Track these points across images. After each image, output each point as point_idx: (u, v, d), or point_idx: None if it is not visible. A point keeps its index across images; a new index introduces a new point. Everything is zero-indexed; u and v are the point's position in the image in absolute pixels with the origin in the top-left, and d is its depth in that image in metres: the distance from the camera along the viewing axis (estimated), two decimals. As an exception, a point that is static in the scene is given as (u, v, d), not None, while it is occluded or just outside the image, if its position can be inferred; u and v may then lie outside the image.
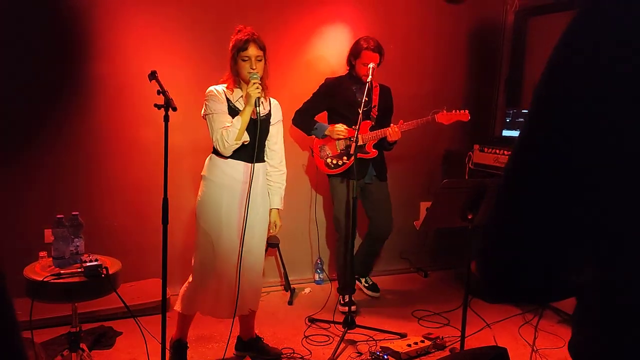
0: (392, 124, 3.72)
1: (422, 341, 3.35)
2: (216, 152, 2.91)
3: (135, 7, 3.82)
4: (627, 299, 0.71)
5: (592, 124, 0.68)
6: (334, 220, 3.99)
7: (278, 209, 3.11)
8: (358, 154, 3.74)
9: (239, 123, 2.82)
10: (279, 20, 4.23)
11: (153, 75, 2.52)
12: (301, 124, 3.91)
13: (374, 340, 3.45)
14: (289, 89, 4.29)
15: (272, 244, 4.27)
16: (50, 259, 2.60)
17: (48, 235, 3.41)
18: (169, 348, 3.06)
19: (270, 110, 3.00)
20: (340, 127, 3.77)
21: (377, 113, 3.84)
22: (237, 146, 2.85)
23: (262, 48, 2.85)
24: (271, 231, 3.12)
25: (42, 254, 3.20)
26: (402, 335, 3.49)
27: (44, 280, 2.36)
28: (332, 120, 3.90)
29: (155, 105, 2.47)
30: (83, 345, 2.63)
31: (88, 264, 2.43)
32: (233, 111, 2.88)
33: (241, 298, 2.93)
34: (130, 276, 3.71)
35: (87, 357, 2.64)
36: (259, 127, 2.83)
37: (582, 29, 0.73)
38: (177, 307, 3.00)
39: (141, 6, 3.83)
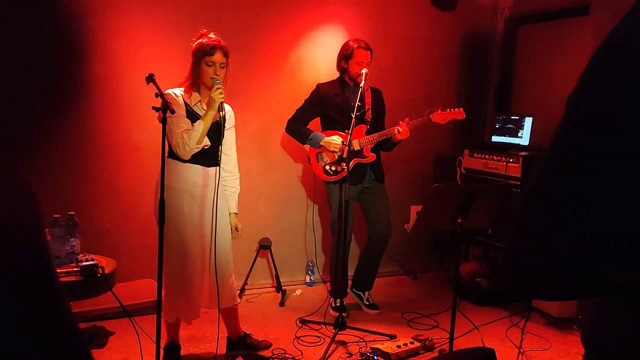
0: (400, 122, 3.72)
1: (412, 342, 3.40)
2: (173, 156, 2.91)
3: (130, 9, 3.85)
4: None
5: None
6: (330, 223, 4.01)
7: (236, 213, 3.14)
8: (356, 159, 3.78)
9: (201, 127, 2.86)
10: (272, 23, 4.28)
11: (150, 78, 2.55)
12: (295, 133, 3.92)
13: (364, 341, 3.50)
14: (279, 94, 4.34)
15: (264, 246, 4.31)
16: (46, 258, 2.61)
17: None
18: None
19: (224, 116, 3.02)
20: (336, 140, 3.77)
21: (371, 116, 3.88)
22: (197, 150, 2.88)
23: (227, 55, 2.90)
24: (234, 235, 3.14)
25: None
26: (392, 337, 3.54)
27: (41, 279, 2.38)
28: (325, 126, 3.93)
29: (154, 108, 2.50)
30: (77, 344, 2.65)
31: (84, 263, 2.46)
32: (191, 114, 2.89)
33: (212, 295, 2.98)
34: (123, 276, 3.72)
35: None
36: (222, 132, 2.89)
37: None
38: (165, 317, 2.99)
39: (137, 7, 3.86)
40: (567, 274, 0.75)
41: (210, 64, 2.86)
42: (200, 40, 2.89)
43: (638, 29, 0.70)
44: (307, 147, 3.92)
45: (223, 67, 2.89)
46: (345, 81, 3.87)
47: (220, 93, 2.84)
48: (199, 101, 2.95)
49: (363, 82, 3.57)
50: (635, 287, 0.72)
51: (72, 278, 2.45)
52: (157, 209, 2.69)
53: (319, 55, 4.45)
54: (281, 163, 4.48)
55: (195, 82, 2.93)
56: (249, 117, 4.29)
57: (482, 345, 3.42)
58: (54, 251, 2.56)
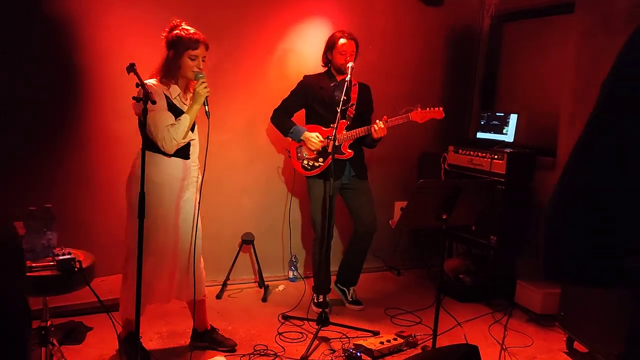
0: (377, 120, 3.68)
1: (395, 339, 3.38)
2: (155, 149, 2.84)
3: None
4: None
5: None
6: (311, 218, 3.98)
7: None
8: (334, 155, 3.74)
9: (187, 121, 2.84)
10: (256, 15, 4.22)
11: (132, 68, 2.49)
12: (279, 124, 3.88)
13: (347, 337, 3.47)
14: (265, 85, 4.29)
15: (246, 241, 4.26)
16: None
17: (19, 227, 3.33)
18: (121, 342, 3.06)
19: (209, 111, 2.97)
20: (315, 139, 3.74)
21: (354, 112, 3.84)
22: (183, 144, 2.87)
23: (208, 48, 2.89)
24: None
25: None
26: (375, 333, 3.53)
27: (15, 273, 2.31)
28: (309, 119, 3.90)
29: (134, 98, 2.44)
30: (53, 340, 2.58)
31: (60, 257, 2.39)
32: (171, 107, 2.84)
33: (182, 286, 3.03)
34: (102, 271, 3.64)
35: (57, 352, 2.60)
36: (208, 125, 2.82)
37: None
38: (129, 315, 2.95)
39: (119, -3, 3.78)
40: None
41: (194, 57, 2.84)
42: (179, 32, 2.84)
43: None
44: (289, 140, 3.88)
45: (203, 61, 2.88)
46: (332, 74, 3.83)
47: (206, 87, 2.84)
48: (179, 94, 2.91)
49: (349, 75, 3.53)
50: None
51: (48, 272, 2.38)
52: (133, 203, 2.65)
53: (305, 47, 4.41)
54: (265, 155, 4.44)
55: (173, 74, 2.88)
56: (234, 109, 4.23)
57: (465, 341, 3.42)
58: (29, 244, 2.48)
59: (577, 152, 0.80)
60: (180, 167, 2.94)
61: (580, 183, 0.80)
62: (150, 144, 2.82)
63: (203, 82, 2.83)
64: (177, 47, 2.82)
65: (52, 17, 3.64)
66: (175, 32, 2.85)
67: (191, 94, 2.97)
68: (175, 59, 2.83)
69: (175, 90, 2.89)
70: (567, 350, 3.46)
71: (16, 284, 0.84)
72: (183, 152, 2.93)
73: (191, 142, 2.98)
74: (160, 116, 2.78)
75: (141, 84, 2.45)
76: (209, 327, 3.27)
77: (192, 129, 2.96)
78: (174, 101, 2.88)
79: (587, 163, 0.79)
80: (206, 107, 2.86)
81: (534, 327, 3.83)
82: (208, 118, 2.86)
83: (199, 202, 3.05)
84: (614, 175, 0.75)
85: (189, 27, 2.87)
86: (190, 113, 2.86)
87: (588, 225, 0.78)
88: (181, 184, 2.96)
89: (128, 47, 3.76)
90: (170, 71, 2.86)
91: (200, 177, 3.11)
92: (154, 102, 2.45)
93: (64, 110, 3.76)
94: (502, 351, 3.41)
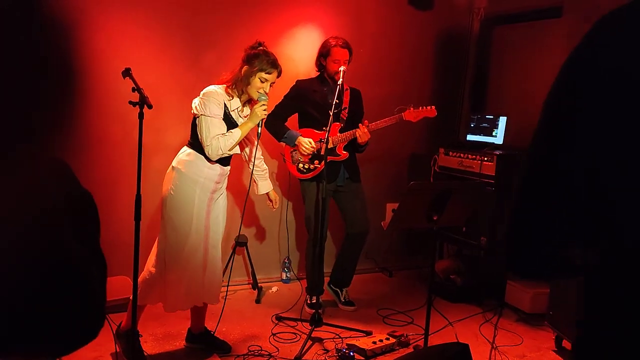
0: (360, 125, 3.75)
1: (387, 338, 3.43)
2: (199, 150, 2.94)
3: (107, 2, 3.78)
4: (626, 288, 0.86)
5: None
6: (305, 220, 4.01)
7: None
8: (329, 157, 3.79)
9: (238, 135, 2.95)
10: (248, 20, 4.24)
11: (127, 72, 2.52)
12: (272, 128, 3.91)
13: (340, 337, 3.52)
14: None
15: (240, 243, 4.29)
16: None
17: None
18: (119, 338, 3.08)
19: (260, 132, 3.12)
20: (307, 144, 3.78)
21: (347, 115, 3.89)
22: (227, 155, 2.97)
23: (279, 76, 3.03)
24: (276, 206, 3.52)
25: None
26: (368, 333, 3.57)
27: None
28: (302, 123, 3.94)
29: (130, 103, 2.47)
30: (50, 342, 2.61)
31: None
32: (226, 117, 2.95)
33: (201, 290, 3.03)
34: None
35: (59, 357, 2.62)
36: (257, 144, 3.06)
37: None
38: (142, 301, 2.99)
39: (113, 1, 3.80)
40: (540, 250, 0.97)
41: (264, 80, 2.94)
42: (259, 52, 2.95)
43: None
44: (282, 144, 3.92)
45: (271, 86, 3.00)
46: (324, 79, 3.88)
47: (265, 110, 2.95)
48: (237, 108, 3.00)
49: (341, 79, 3.59)
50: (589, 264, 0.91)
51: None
52: (172, 199, 2.88)
53: (297, 52, 4.45)
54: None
55: (238, 88, 2.98)
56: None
57: (456, 341, 3.47)
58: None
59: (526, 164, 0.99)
60: (218, 172, 3.02)
61: (528, 191, 0.99)
62: (196, 145, 2.94)
63: (264, 105, 2.94)
64: (253, 64, 2.92)
65: (50, 22, 3.66)
66: (256, 50, 2.95)
67: (248, 110, 3.06)
68: (247, 75, 2.93)
69: (235, 103, 2.99)
70: (556, 349, 3.53)
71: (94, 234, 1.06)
72: (223, 160, 3.02)
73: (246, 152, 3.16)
74: (214, 123, 2.88)
75: (137, 89, 2.48)
76: (204, 330, 3.31)
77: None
78: (232, 113, 2.97)
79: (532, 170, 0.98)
80: (259, 128, 2.98)
81: (524, 326, 3.89)
82: (258, 138, 3.00)
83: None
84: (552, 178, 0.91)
85: (269, 51, 2.98)
86: (243, 129, 2.96)
87: (535, 226, 0.94)
88: (215, 186, 3.03)
89: (122, 51, 3.79)
90: (237, 85, 2.96)
91: (267, 169, 3.41)
92: (150, 107, 2.48)
93: (61, 115, 3.77)
94: (493, 350, 3.46)
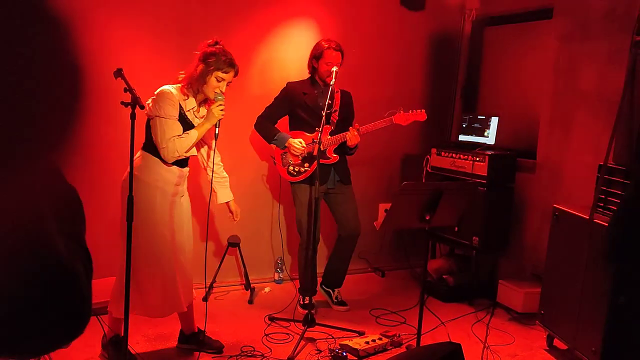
0: (350, 128, 3.76)
1: (380, 338, 3.44)
2: (154, 153, 2.87)
3: (99, 3, 3.77)
4: None
5: None
6: (296, 222, 4.01)
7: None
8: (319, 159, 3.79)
9: (195, 136, 2.87)
10: (239, 22, 4.24)
11: (119, 73, 2.51)
12: (263, 130, 3.92)
13: (333, 338, 3.52)
14: (248, 92, 4.31)
15: (232, 244, 4.29)
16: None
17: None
18: (105, 349, 3.08)
19: (218, 133, 3.04)
20: (297, 145, 3.78)
21: (337, 118, 3.89)
22: (183, 158, 2.90)
23: (236, 75, 2.95)
24: (236, 219, 3.41)
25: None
26: (360, 333, 3.58)
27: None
28: (293, 125, 3.93)
29: (122, 103, 2.46)
30: (41, 344, 2.59)
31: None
32: (182, 118, 2.86)
33: (179, 296, 2.99)
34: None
35: (45, 355, 2.61)
36: (214, 146, 2.96)
37: None
38: (117, 313, 2.95)
39: (106, 2, 3.78)
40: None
41: (221, 79, 2.87)
42: (216, 50, 2.86)
43: None
44: (273, 146, 3.92)
45: (228, 85, 2.92)
46: (315, 81, 3.88)
47: (222, 110, 2.88)
48: (193, 108, 2.93)
49: (333, 80, 3.59)
50: None
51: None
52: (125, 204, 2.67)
53: (288, 54, 4.45)
54: (249, 161, 4.47)
55: (194, 87, 2.90)
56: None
57: (448, 340, 3.48)
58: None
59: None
60: (176, 174, 2.95)
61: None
62: (150, 147, 2.86)
63: (221, 105, 2.88)
64: (209, 64, 2.83)
65: (40, 16, 3.64)
66: (212, 48, 2.87)
67: (204, 110, 3.00)
68: (203, 74, 2.85)
69: (191, 103, 2.91)
70: (547, 348, 3.55)
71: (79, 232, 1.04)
72: (180, 162, 2.95)
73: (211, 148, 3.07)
74: (169, 125, 2.81)
75: (129, 89, 2.47)
76: (196, 330, 3.30)
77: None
78: (187, 113, 2.89)
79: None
80: (217, 128, 2.90)
81: (516, 326, 3.91)
82: (215, 139, 2.92)
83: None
84: None
85: (226, 50, 2.90)
86: (200, 130, 2.89)
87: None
88: (174, 189, 2.97)
89: (112, 51, 3.77)
90: (193, 84, 2.89)
91: (227, 176, 3.27)
92: (142, 107, 2.47)
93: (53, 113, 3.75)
94: (485, 349, 3.48)
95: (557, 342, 3.49)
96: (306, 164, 3.83)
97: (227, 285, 4.38)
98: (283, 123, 4.00)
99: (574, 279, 3.21)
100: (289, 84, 3.93)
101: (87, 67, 3.77)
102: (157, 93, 2.83)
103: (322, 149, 3.75)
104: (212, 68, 2.83)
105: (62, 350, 3.16)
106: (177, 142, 2.80)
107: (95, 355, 3.12)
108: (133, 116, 2.46)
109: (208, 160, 3.15)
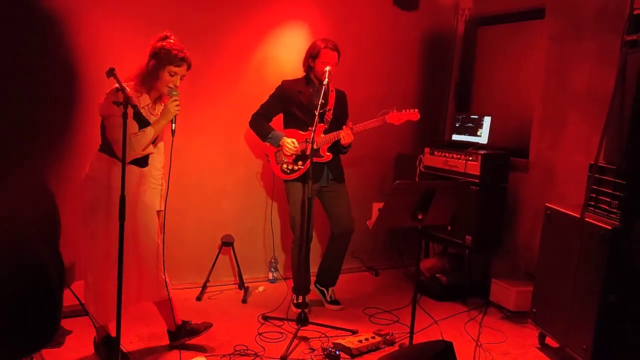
0: (344, 127, 3.78)
1: (373, 337, 3.45)
2: (111, 154, 2.79)
3: (91, 2, 3.76)
4: None
5: None
6: (290, 220, 4.02)
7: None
8: (313, 158, 3.80)
9: (151, 134, 2.80)
10: (234, 20, 4.24)
11: (111, 72, 2.51)
12: (257, 128, 3.93)
13: (326, 336, 3.53)
14: (244, 90, 4.32)
15: (226, 243, 4.29)
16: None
17: None
18: (97, 351, 3.06)
19: (175, 129, 2.93)
20: (290, 144, 3.80)
21: (331, 117, 3.91)
22: (141, 156, 2.84)
23: (189, 69, 2.87)
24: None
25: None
26: (354, 332, 3.59)
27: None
28: (287, 123, 3.94)
29: (115, 103, 2.46)
30: (33, 343, 2.59)
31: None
32: (136, 116, 2.74)
33: (137, 290, 2.94)
34: (79, 274, 3.64)
35: (38, 355, 2.61)
36: (172, 142, 2.82)
37: None
38: (104, 320, 2.93)
39: (98, 1, 3.78)
40: None
41: (174, 74, 2.81)
42: (166, 44, 2.80)
43: None
44: (267, 144, 3.93)
45: (181, 79, 2.86)
46: (310, 79, 3.89)
47: (177, 105, 2.80)
48: (148, 105, 2.87)
49: (327, 79, 3.60)
50: None
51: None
52: (88, 204, 2.75)
53: (283, 53, 4.45)
54: (244, 160, 4.47)
55: (147, 84, 2.84)
56: (212, 114, 4.26)
57: (441, 338, 3.50)
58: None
59: None
60: (136, 174, 2.87)
61: None
62: (106, 148, 2.80)
63: (176, 100, 2.80)
64: (160, 59, 2.78)
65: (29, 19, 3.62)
66: (162, 43, 2.80)
67: (160, 107, 2.93)
68: (155, 70, 2.79)
69: (144, 100, 2.85)
70: (539, 346, 3.57)
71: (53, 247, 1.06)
72: (139, 161, 2.87)
73: (157, 152, 2.96)
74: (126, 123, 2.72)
75: (121, 89, 2.47)
76: (180, 322, 3.24)
77: (154, 142, 2.91)
78: (142, 110, 2.81)
79: None
80: (173, 124, 2.81)
81: (508, 324, 3.93)
82: (172, 136, 2.82)
83: (165, 210, 2.95)
84: None
85: (177, 43, 2.83)
86: (156, 127, 2.82)
87: None
88: (136, 190, 2.87)
89: (105, 50, 3.75)
90: (145, 80, 2.82)
91: (164, 185, 3.05)
92: (134, 107, 2.47)
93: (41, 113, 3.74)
94: (477, 347, 3.50)
95: (549, 340, 3.52)
96: (300, 163, 3.84)
97: (220, 284, 4.38)
98: (277, 121, 4.01)
99: (566, 278, 3.23)
100: (284, 82, 3.94)
101: (79, 65, 3.75)
102: (109, 92, 2.73)
103: (315, 147, 3.76)
104: (164, 63, 2.78)
105: (56, 350, 3.16)
106: (133, 139, 2.73)
107: (88, 355, 3.12)
108: (125, 115, 2.46)
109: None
